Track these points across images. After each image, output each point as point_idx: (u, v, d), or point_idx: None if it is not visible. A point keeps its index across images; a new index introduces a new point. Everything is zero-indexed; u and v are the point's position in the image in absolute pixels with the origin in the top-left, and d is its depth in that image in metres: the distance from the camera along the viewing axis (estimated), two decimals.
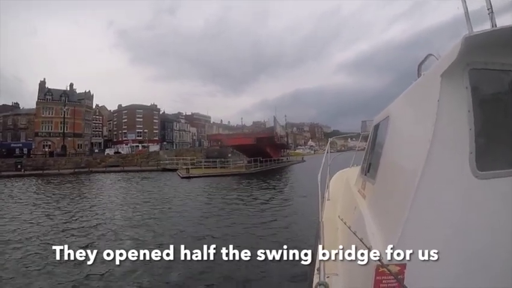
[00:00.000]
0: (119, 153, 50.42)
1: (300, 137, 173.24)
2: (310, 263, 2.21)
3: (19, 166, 36.95)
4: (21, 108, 60.43)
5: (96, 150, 53.29)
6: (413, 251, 1.44)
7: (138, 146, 63.93)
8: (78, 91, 63.38)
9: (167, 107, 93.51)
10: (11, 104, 60.60)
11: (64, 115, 50.88)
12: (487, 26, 1.49)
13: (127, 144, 62.66)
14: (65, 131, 57.21)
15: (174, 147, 70.85)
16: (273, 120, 37.34)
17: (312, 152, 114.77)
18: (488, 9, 1.53)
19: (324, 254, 1.80)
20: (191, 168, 34.30)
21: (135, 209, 12.51)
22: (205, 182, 22.48)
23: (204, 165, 35.99)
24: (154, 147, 52.99)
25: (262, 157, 33.87)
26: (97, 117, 75.32)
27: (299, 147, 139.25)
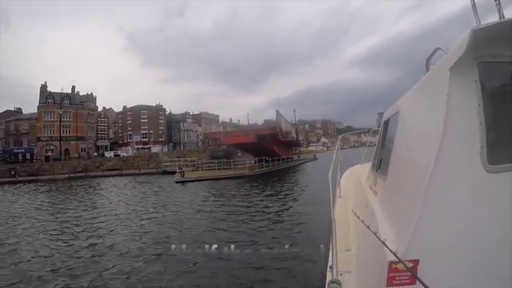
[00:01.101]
0: (119, 155, 48.17)
1: (312, 134, 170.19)
2: (323, 260, 2.82)
3: (13, 172, 35.05)
4: (24, 113, 59.28)
5: (95, 154, 51.02)
6: (425, 247, 1.43)
7: (143, 147, 61.88)
8: (89, 95, 62.44)
9: (180, 109, 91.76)
10: (13, 110, 59.34)
11: (61, 118, 49.02)
12: (495, 18, 1.50)
13: (131, 146, 60.70)
14: (68, 135, 55.73)
15: (182, 148, 68.41)
16: (279, 115, 33.28)
17: (325, 148, 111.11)
18: (495, 1, 1.54)
19: (336, 251, 1.78)
20: (192, 170, 31.46)
21: (97, 229, 9.49)
22: (201, 187, 19.37)
23: (207, 166, 33.11)
24: (155, 149, 50.35)
25: (268, 156, 30.47)
26: (103, 119, 73.83)
27: (312, 144, 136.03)
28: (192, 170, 31.28)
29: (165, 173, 34.55)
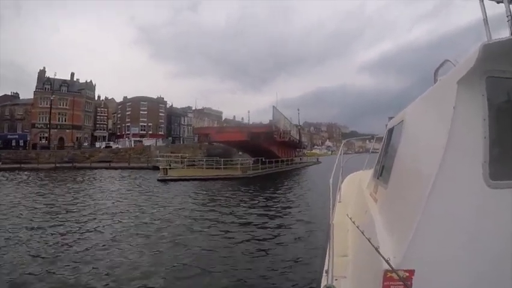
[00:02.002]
0: (111, 147, 46.14)
1: (317, 136, 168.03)
2: (320, 264, 2.65)
3: None
4: (21, 98, 57.66)
5: (85, 144, 49.05)
6: (422, 258, 1.42)
7: (141, 140, 59.90)
8: (88, 83, 60.66)
9: (187, 103, 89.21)
10: (10, 94, 57.74)
11: (51, 104, 47.02)
12: (507, 33, 1.53)
13: (128, 138, 58.73)
14: (63, 123, 54.05)
15: (181, 143, 66.32)
16: (276, 113, 28.72)
17: (329, 152, 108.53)
18: (507, 17, 1.56)
19: (333, 256, 1.79)
20: (182, 167, 29.20)
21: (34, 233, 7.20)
22: (183, 188, 17.07)
23: (201, 164, 30.81)
24: (149, 142, 48.22)
25: (267, 157, 28.02)
26: (103, 109, 72.11)
27: (316, 147, 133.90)
28: (182, 167, 29.03)
29: (155, 168, 32.24)
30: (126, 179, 23.17)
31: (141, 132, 64.79)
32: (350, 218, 2.70)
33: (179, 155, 32.31)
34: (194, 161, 33.36)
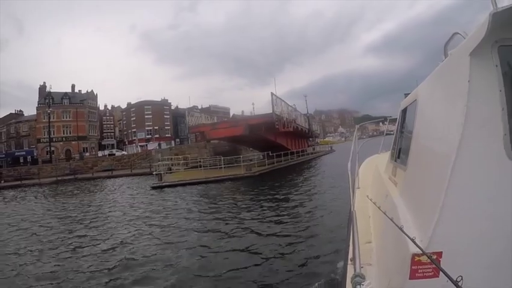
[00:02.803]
0: (114, 155, 44.80)
1: (329, 124, 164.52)
2: (344, 253, 2.61)
3: None
4: (25, 115, 57.41)
5: (87, 154, 47.95)
6: (449, 238, 1.40)
7: (147, 145, 58.60)
8: (90, 93, 59.83)
9: (194, 104, 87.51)
10: (15, 112, 57.55)
11: (49, 119, 45.90)
12: None
13: (134, 144, 57.58)
14: (68, 135, 53.38)
15: (189, 143, 64.78)
16: (275, 100, 23.35)
17: (343, 139, 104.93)
18: None
19: (358, 244, 1.71)
20: (183, 169, 27.23)
21: None
22: (179, 195, 14.89)
23: (205, 164, 28.66)
24: (152, 146, 46.64)
25: (276, 151, 25.53)
26: (108, 117, 71.62)
27: (329, 135, 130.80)
28: (184, 170, 27.04)
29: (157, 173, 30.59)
30: (120, 189, 21.25)
31: (147, 136, 63.65)
32: (375, 203, 2.48)
33: (181, 156, 30.27)
34: (199, 161, 31.38)
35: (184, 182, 18.29)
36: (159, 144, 49.34)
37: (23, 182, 31.48)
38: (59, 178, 32.63)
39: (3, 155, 50.62)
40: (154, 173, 20.68)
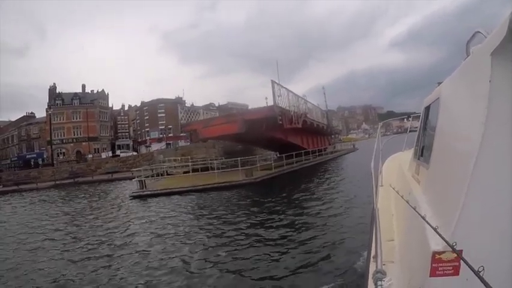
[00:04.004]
0: (118, 156, 42.60)
1: (352, 120, 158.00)
2: (366, 250, 2.58)
3: None
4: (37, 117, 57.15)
5: (90, 156, 46.12)
6: (469, 238, 1.38)
7: (170, 143, 56.16)
8: (101, 93, 58.81)
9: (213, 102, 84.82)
10: (26, 115, 57.37)
11: (50, 119, 44.58)
12: None
13: (146, 144, 55.63)
14: (78, 136, 52.30)
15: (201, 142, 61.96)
16: (277, 90, 18.60)
17: (367, 136, 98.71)
18: None
19: (380, 241, 1.71)
20: (184, 173, 23.98)
21: None
22: (161, 210, 11.49)
23: (214, 166, 25.23)
24: (157, 146, 44.06)
25: (285, 151, 21.61)
26: (123, 117, 70.57)
27: (352, 131, 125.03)
28: (184, 173, 23.76)
29: (167, 174, 27.58)
30: (102, 196, 18.24)
31: (161, 136, 61.60)
32: (401, 196, 2.47)
33: (186, 157, 27.08)
34: (205, 163, 28.13)
35: (170, 190, 14.88)
36: (167, 144, 46.64)
37: (20, 186, 29.78)
38: (58, 182, 30.63)
39: (16, 158, 50.42)
40: (133, 180, 17.37)
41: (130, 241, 7.73)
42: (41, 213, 14.25)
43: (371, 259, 2.07)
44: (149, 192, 15.01)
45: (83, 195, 20.64)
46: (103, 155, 43.79)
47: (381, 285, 1.35)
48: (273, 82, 17.90)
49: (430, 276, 1.42)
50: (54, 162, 43.55)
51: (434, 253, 1.41)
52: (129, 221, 10.28)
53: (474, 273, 1.05)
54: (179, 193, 14.59)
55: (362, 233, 5.85)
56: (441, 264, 1.40)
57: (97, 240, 8.01)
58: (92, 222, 10.64)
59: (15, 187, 29.80)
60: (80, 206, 15.38)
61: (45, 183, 30.63)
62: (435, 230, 1.40)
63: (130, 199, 14.83)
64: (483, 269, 1.04)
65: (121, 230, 8.98)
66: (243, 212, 9.78)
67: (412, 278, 1.73)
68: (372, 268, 1.83)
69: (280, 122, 18.32)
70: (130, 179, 28.89)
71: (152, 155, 37.20)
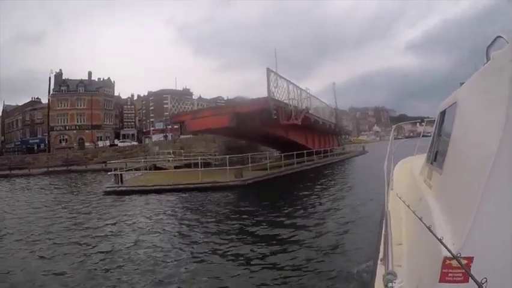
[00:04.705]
0: (115, 145, 41.39)
1: (364, 121, 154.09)
2: (374, 253, 2.41)
3: None
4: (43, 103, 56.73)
5: (87, 144, 45.17)
6: (481, 244, 1.37)
7: (167, 135, 55.13)
8: (106, 81, 58.01)
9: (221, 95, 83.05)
10: (32, 100, 56.99)
11: (49, 105, 43.73)
12: None
13: (148, 135, 54.55)
14: (82, 123, 51.58)
15: (202, 135, 60.51)
16: (273, 78, 16.42)
17: (378, 138, 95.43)
18: None
19: (390, 245, 1.73)
20: (175, 167, 22.32)
21: None
22: (136, 210, 9.88)
23: (213, 161, 23.52)
24: (158, 136, 42.71)
25: (287, 150, 19.66)
26: (130, 107, 69.82)
27: (363, 133, 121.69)
28: (175, 167, 22.09)
29: (156, 168, 26.11)
30: (82, 188, 16.76)
31: (165, 127, 60.50)
32: (408, 206, 2.42)
33: (173, 151, 25.47)
34: (202, 157, 26.46)
35: (147, 188, 13.18)
36: (165, 136, 45.20)
37: (12, 172, 28.91)
38: (50, 169, 29.63)
39: (19, 143, 50.12)
40: (109, 173, 15.75)
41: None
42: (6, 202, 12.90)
43: (379, 262, 2.06)
44: (124, 189, 13.36)
45: (64, 184, 19.31)
46: (100, 144, 42.65)
47: (392, 286, 1.34)
48: (268, 70, 15.48)
49: (439, 282, 1.40)
50: (54, 148, 42.80)
51: (445, 258, 1.38)
52: (86, 221, 8.63)
53: (476, 283, 1.04)
54: (157, 192, 12.89)
55: None
56: (451, 271, 1.38)
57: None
58: (44, 216, 9.08)
59: (7, 172, 28.97)
60: (50, 197, 13.94)
61: (38, 170, 29.69)
62: (439, 240, 1.40)
63: (103, 195, 13.24)
64: (486, 281, 1.04)
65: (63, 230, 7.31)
66: (216, 226, 7.93)
67: (420, 283, 1.72)
68: (380, 271, 1.81)
69: (275, 117, 15.99)
70: (106, 171, 27.60)
71: (149, 147, 35.84)
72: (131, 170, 18.34)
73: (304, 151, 21.33)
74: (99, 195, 13.29)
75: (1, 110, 54.74)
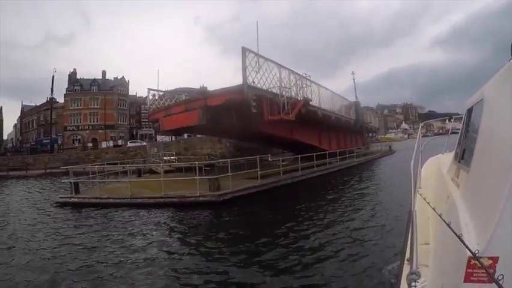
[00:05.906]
0: (119, 146, 39.79)
1: (391, 119, 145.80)
2: (400, 252, 2.42)
3: None
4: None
5: (89, 144, 44.01)
6: (507, 245, 1.33)
7: (153, 138, 53.33)
8: (120, 80, 57.48)
9: None
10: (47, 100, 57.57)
11: (51, 105, 42.98)
12: None
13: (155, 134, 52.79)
14: (95, 123, 51.08)
15: None
16: (250, 57, 11.97)
17: (406, 136, 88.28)
18: None
19: (416, 244, 1.67)
20: (167, 171, 19.62)
21: None
22: (65, 229, 7.20)
23: (222, 163, 20.55)
24: (161, 137, 40.58)
25: (296, 152, 16.03)
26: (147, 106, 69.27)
27: (390, 130, 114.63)
28: (166, 172, 19.38)
29: (152, 172, 23.70)
30: (49, 195, 14.47)
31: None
32: (430, 205, 2.42)
33: (172, 152, 22.84)
34: (214, 158, 23.71)
35: (102, 201, 10.41)
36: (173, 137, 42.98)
37: (10, 173, 27.93)
38: (48, 171, 28.32)
39: (34, 142, 50.53)
40: (63, 180, 13.25)
41: None
42: None
43: (405, 261, 2.01)
44: (76, 200, 10.71)
45: (37, 189, 17.36)
46: (103, 145, 41.35)
47: (415, 286, 1.33)
48: (244, 49, 11.40)
49: (464, 282, 1.38)
50: (64, 149, 42.21)
51: (470, 258, 1.35)
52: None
53: (496, 284, 1.03)
54: (115, 206, 10.09)
55: None
56: (476, 270, 1.36)
57: None
58: None
59: (5, 173, 28.05)
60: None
61: (36, 171, 28.56)
62: (459, 237, 1.38)
63: (54, 206, 10.71)
64: (502, 277, 1.02)
65: None
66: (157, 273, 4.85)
67: (445, 282, 1.71)
68: (406, 270, 1.76)
69: (255, 111, 12.08)
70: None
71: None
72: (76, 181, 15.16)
73: (314, 153, 17.61)
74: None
75: (20, 111, 55.70)
